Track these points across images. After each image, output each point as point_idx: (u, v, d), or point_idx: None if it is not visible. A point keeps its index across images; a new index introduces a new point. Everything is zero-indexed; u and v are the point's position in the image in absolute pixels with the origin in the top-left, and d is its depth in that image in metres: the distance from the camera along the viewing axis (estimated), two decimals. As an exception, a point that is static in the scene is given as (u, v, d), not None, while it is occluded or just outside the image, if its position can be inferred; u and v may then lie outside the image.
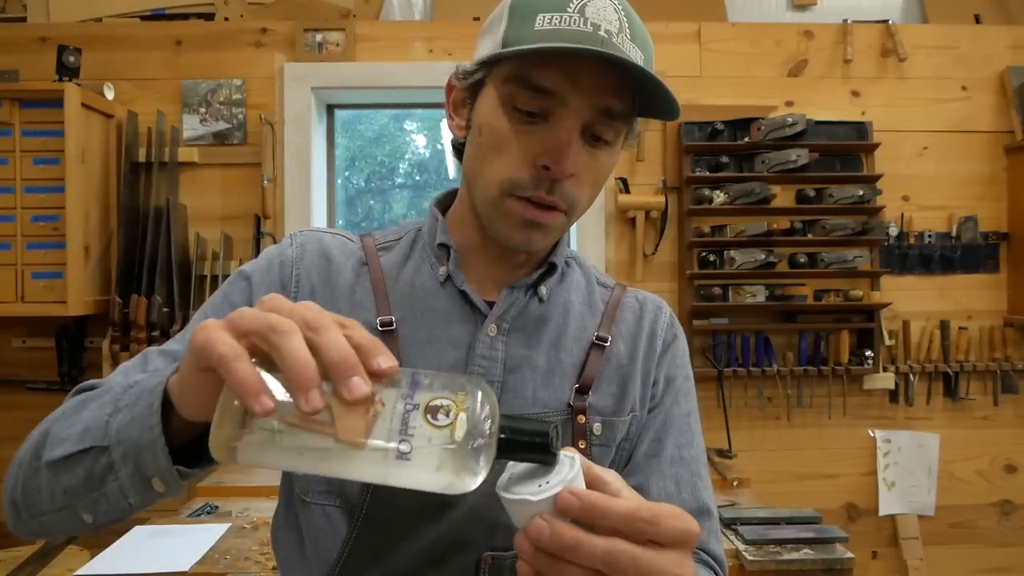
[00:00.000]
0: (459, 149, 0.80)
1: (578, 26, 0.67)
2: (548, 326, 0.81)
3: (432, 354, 0.76)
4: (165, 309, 2.28)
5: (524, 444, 0.49)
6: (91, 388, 0.70)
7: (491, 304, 0.78)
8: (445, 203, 0.85)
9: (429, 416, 0.46)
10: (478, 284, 0.79)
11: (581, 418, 0.78)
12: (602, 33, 0.67)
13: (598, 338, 0.82)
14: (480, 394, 0.47)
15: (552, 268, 0.82)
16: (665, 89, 0.71)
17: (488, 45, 0.72)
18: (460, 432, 0.46)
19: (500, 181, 0.72)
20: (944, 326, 2.47)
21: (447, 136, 3.17)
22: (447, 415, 0.46)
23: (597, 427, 0.79)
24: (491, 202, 0.73)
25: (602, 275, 0.90)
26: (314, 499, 0.74)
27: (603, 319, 0.84)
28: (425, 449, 0.45)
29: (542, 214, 0.72)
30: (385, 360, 0.46)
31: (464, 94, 0.75)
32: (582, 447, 0.77)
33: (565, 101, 0.69)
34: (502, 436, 0.48)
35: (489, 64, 0.72)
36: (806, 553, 1.54)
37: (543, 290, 0.81)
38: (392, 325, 0.75)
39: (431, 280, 0.79)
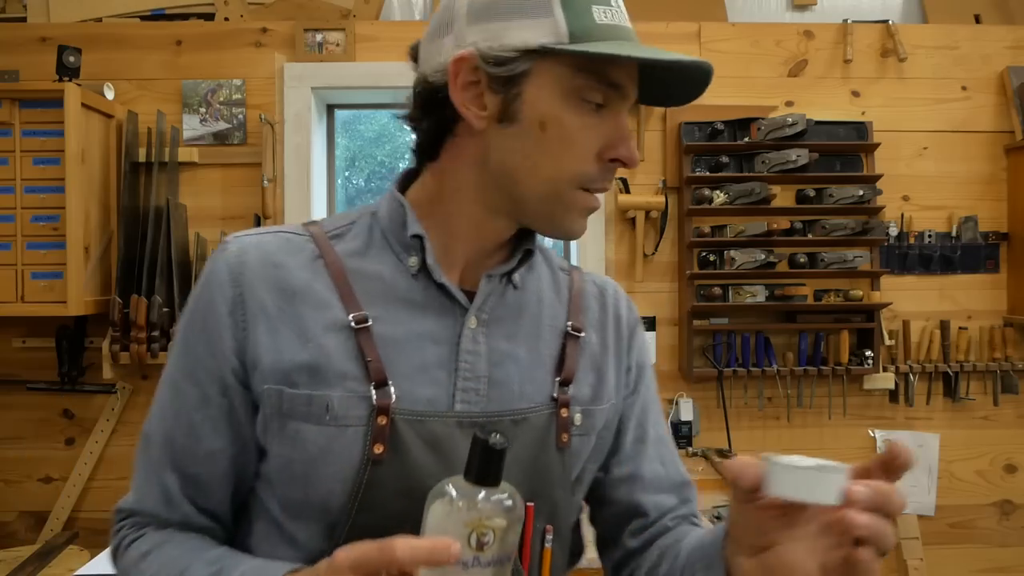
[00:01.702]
0: (432, 136, 0.75)
1: (622, 22, 0.71)
2: (525, 316, 0.79)
3: (413, 352, 0.72)
4: (165, 309, 2.28)
5: None
6: (137, 536, 0.74)
7: (468, 294, 0.76)
8: (404, 187, 0.80)
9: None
10: (452, 274, 0.76)
11: (564, 411, 0.78)
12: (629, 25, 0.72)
13: (573, 328, 0.82)
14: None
15: (529, 254, 0.80)
16: (691, 80, 0.73)
17: (539, 30, 0.68)
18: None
19: (572, 176, 0.71)
20: (944, 326, 2.47)
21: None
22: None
23: (578, 417, 0.79)
24: (555, 196, 0.72)
25: (557, 257, 0.89)
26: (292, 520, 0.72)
27: (570, 307, 0.84)
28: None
29: (598, 201, 0.75)
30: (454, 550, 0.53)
31: (491, 80, 0.69)
32: (565, 440, 0.78)
33: (627, 95, 0.72)
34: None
35: (540, 53, 0.68)
36: (806, 553, 1.54)
37: (516, 278, 0.79)
38: (367, 322, 0.71)
39: (400, 271, 0.75)
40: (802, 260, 2.36)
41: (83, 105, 2.20)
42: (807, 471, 0.52)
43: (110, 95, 2.35)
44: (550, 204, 0.72)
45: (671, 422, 2.39)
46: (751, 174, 2.36)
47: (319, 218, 0.82)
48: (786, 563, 0.58)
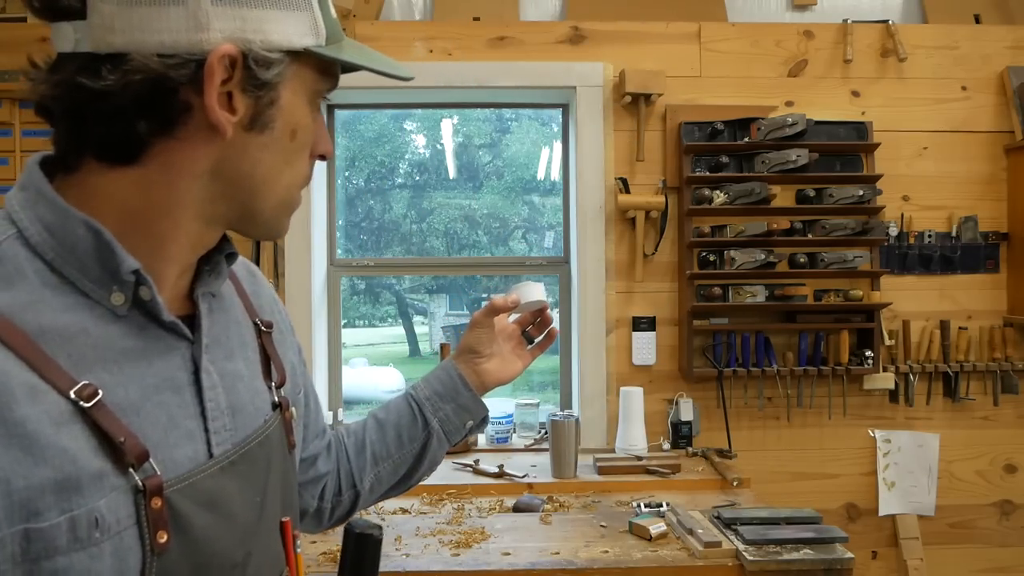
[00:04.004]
0: (139, 136, 0.59)
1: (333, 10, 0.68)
2: (231, 327, 0.72)
3: (156, 411, 0.60)
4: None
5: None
6: None
7: (185, 321, 0.65)
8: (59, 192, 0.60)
9: None
10: (166, 304, 0.63)
11: (288, 414, 0.76)
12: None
13: (264, 324, 0.78)
14: None
15: (233, 258, 0.72)
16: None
17: (301, 27, 0.62)
18: None
19: (303, 180, 0.68)
20: (944, 326, 2.47)
21: (447, 135, 3.18)
22: None
23: (293, 411, 0.78)
24: (288, 202, 0.68)
25: None
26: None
27: (243, 297, 0.79)
28: None
29: None
30: None
31: (247, 81, 0.60)
32: (293, 441, 0.77)
33: (332, 90, 0.70)
34: None
35: (299, 54, 0.62)
36: (806, 553, 1.54)
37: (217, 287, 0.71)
38: (98, 394, 0.55)
39: (102, 316, 0.58)
40: (802, 260, 2.36)
41: (83, 105, 2.20)
42: (532, 287, 1.06)
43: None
44: (281, 212, 0.67)
45: (671, 422, 2.39)
46: (751, 174, 2.36)
47: None
48: (502, 359, 1.07)
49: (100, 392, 0.55)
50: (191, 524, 0.59)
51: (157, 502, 0.57)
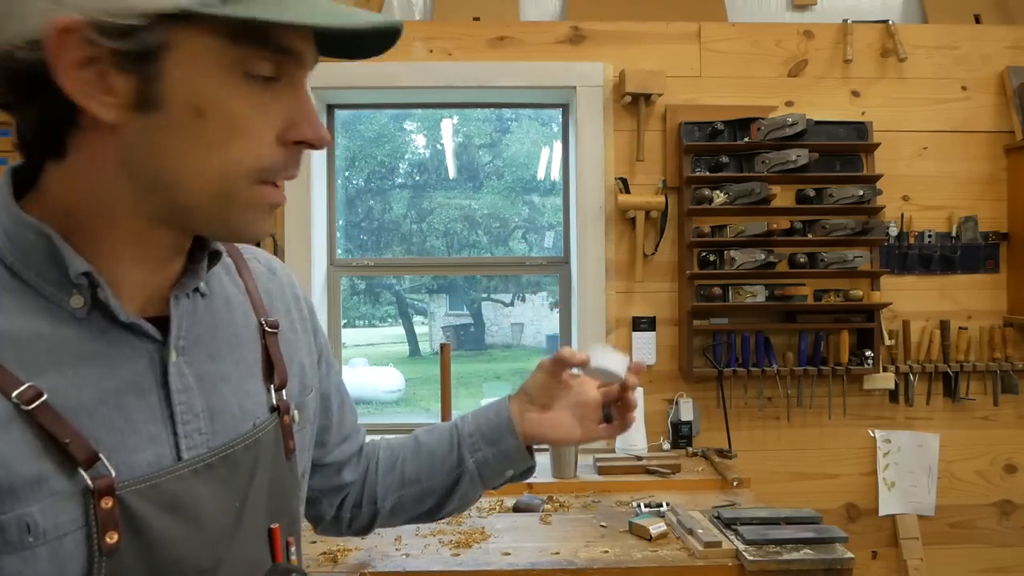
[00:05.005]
0: (45, 128, 0.56)
1: None
2: (221, 326, 0.69)
3: (113, 414, 0.58)
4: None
5: None
6: None
7: (154, 322, 0.62)
8: (19, 197, 0.59)
9: None
10: (130, 304, 0.61)
11: (287, 417, 0.73)
12: None
13: (269, 324, 0.75)
14: None
15: (217, 256, 0.68)
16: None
17: None
18: None
19: (248, 170, 0.58)
20: (944, 326, 2.47)
21: (447, 135, 3.18)
22: None
23: (296, 415, 0.75)
24: (227, 197, 0.58)
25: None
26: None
27: (252, 298, 0.75)
28: None
29: (282, 194, 0.62)
30: None
31: (115, 57, 0.52)
32: (291, 446, 0.74)
33: (304, 62, 0.59)
34: None
35: (177, 18, 0.52)
36: (806, 553, 1.54)
37: (203, 285, 0.68)
38: (42, 396, 0.54)
39: (59, 319, 0.57)
40: (802, 260, 2.36)
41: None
42: (614, 355, 0.97)
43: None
44: (223, 207, 0.59)
45: (671, 422, 2.39)
46: (751, 174, 2.36)
47: None
48: (558, 417, 0.98)
49: (45, 395, 0.54)
50: (148, 526, 0.58)
51: (107, 502, 0.56)
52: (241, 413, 0.68)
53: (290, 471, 0.74)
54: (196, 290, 0.67)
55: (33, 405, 0.53)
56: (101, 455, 0.56)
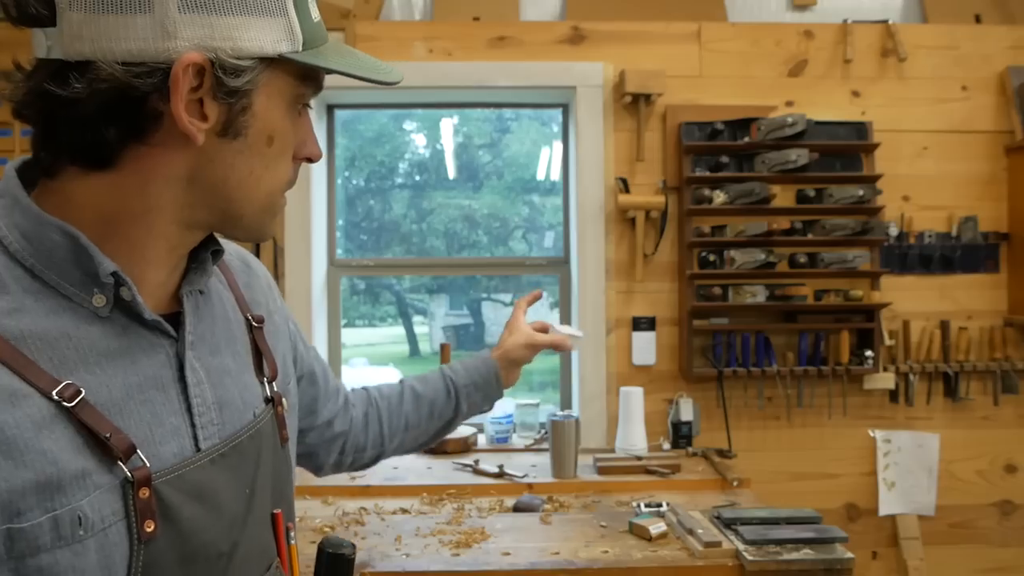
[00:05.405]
0: (110, 143, 0.59)
1: (317, 13, 0.67)
2: (218, 322, 0.73)
3: (140, 409, 0.61)
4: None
5: None
6: None
7: (171, 319, 0.66)
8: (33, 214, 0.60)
9: None
10: (147, 302, 0.64)
11: (280, 408, 0.77)
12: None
13: (256, 319, 0.79)
14: None
15: (219, 255, 0.72)
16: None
17: (275, 33, 0.61)
18: None
19: (285, 184, 0.68)
20: (944, 326, 2.47)
21: (447, 135, 3.18)
22: None
23: (286, 403, 0.80)
24: (270, 207, 0.68)
25: None
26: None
27: (235, 293, 0.79)
28: None
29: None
30: None
31: (217, 89, 0.59)
32: (285, 435, 0.78)
33: (315, 94, 0.70)
34: None
35: (273, 60, 0.62)
36: (806, 553, 1.54)
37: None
38: (80, 393, 0.56)
39: (83, 318, 0.60)
40: (802, 260, 2.36)
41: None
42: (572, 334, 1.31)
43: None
44: (263, 215, 0.68)
45: (671, 422, 2.39)
46: (751, 174, 2.36)
47: None
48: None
49: (83, 391, 0.56)
50: (179, 515, 0.61)
51: (145, 492, 0.58)
52: (243, 404, 0.71)
53: (285, 459, 0.79)
54: (199, 290, 0.71)
55: (74, 402, 0.56)
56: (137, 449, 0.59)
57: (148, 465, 0.59)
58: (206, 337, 0.70)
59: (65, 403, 0.55)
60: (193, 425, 0.65)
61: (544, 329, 1.29)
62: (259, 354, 0.77)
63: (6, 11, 0.58)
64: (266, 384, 0.76)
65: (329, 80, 0.71)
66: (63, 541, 0.54)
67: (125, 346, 0.61)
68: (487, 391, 1.19)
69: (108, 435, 0.57)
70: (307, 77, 0.66)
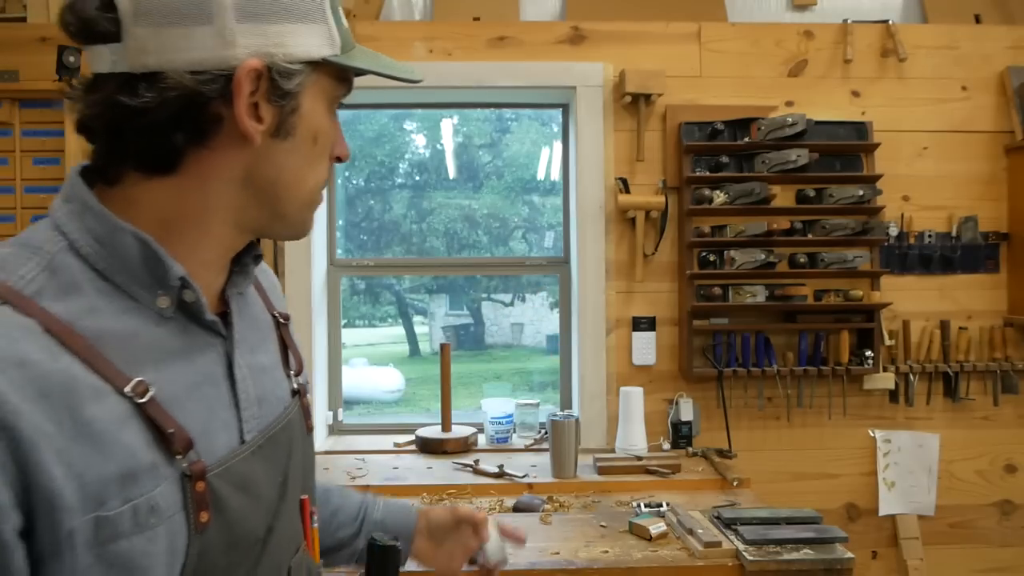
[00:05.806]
0: (177, 147, 0.63)
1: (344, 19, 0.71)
2: (254, 322, 0.78)
3: (199, 404, 0.65)
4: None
5: None
6: None
7: (221, 319, 0.70)
8: (98, 214, 0.63)
9: None
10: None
11: (305, 400, 0.83)
12: None
13: (283, 316, 0.85)
14: None
15: (259, 259, 0.78)
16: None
17: (318, 38, 0.66)
18: None
19: (323, 182, 0.73)
20: (944, 326, 2.47)
21: (447, 135, 3.18)
22: None
23: (309, 397, 0.86)
24: (310, 205, 0.73)
25: None
26: None
27: (260, 292, 0.84)
28: None
29: None
30: None
31: (272, 92, 0.64)
32: (310, 425, 0.84)
33: (347, 94, 0.74)
34: None
35: (318, 63, 0.67)
36: (806, 553, 1.54)
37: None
38: (150, 391, 0.60)
39: (149, 318, 0.63)
40: (802, 260, 2.36)
41: (83, 105, 2.20)
42: (499, 543, 1.11)
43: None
44: (305, 212, 0.73)
45: (671, 422, 2.39)
46: (751, 174, 2.36)
47: None
48: (439, 556, 1.09)
49: (152, 389, 0.61)
50: (228, 505, 0.65)
51: (201, 485, 0.63)
52: (276, 398, 0.77)
53: (310, 447, 0.85)
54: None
55: (144, 399, 0.60)
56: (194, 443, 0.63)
57: (203, 459, 0.64)
58: (247, 336, 0.74)
59: (137, 399, 0.59)
60: (240, 419, 0.70)
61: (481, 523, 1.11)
62: (285, 350, 0.83)
63: (69, 31, 0.62)
64: (292, 377, 0.82)
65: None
66: (139, 528, 0.59)
67: (185, 345, 0.66)
68: (396, 532, 1.05)
69: (172, 431, 0.61)
70: (343, 79, 0.71)
